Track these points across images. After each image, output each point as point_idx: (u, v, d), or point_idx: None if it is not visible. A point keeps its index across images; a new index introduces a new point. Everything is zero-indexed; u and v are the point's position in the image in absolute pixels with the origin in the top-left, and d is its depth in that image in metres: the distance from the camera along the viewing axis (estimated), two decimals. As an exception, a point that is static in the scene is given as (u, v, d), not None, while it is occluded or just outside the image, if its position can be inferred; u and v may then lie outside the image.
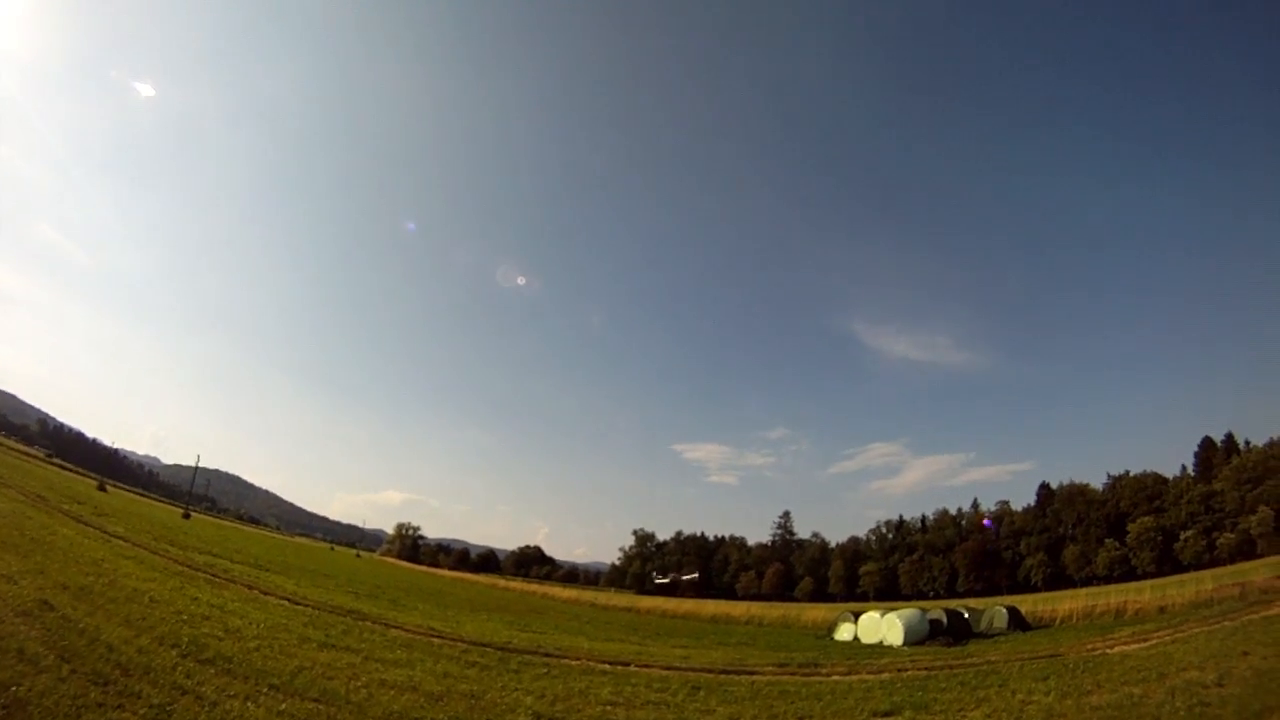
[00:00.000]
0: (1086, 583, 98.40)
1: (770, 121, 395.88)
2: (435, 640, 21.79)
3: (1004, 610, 37.09)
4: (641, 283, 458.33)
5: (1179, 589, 39.72)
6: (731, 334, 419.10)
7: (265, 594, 24.50)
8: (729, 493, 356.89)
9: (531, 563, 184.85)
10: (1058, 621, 37.86)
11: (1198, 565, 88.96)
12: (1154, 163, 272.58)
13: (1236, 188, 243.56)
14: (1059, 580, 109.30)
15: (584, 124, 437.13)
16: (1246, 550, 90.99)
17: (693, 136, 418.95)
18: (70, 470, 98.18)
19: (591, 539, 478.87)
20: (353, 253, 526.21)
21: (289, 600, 24.11)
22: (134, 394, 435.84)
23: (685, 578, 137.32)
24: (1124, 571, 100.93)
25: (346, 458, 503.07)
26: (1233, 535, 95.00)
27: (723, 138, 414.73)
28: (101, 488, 73.89)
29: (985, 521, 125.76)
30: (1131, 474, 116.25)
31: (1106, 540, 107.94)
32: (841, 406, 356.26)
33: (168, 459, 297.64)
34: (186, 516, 78.31)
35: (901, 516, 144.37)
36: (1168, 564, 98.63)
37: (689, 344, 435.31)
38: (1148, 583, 65.01)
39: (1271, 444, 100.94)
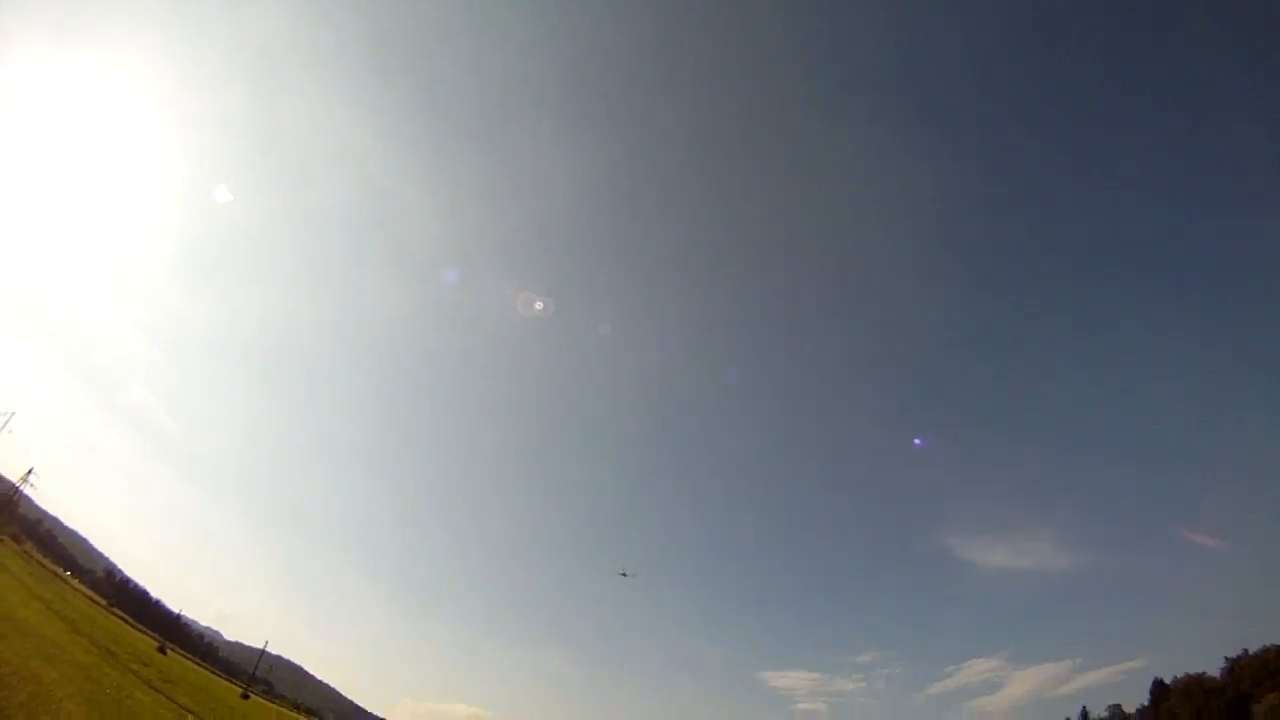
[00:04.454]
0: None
1: (854, 331, 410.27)
2: None
3: None
4: (728, 506, 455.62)
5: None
6: (819, 557, 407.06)
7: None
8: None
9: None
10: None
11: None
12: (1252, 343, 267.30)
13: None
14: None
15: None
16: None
17: (769, 360, 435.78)
18: (131, 625, 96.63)
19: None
20: (441, 470, 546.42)
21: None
22: (206, 566, 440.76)
23: None
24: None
25: (414, 664, 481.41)
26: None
27: (804, 351, 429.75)
28: (162, 650, 72.10)
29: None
30: (1250, 652, 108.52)
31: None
32: (936, 625, 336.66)
33: (229, 635, 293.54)
34: (245, 697, 75.78)
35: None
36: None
37: (776, 569, 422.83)
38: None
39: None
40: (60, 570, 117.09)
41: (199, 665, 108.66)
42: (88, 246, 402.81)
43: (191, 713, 29.41)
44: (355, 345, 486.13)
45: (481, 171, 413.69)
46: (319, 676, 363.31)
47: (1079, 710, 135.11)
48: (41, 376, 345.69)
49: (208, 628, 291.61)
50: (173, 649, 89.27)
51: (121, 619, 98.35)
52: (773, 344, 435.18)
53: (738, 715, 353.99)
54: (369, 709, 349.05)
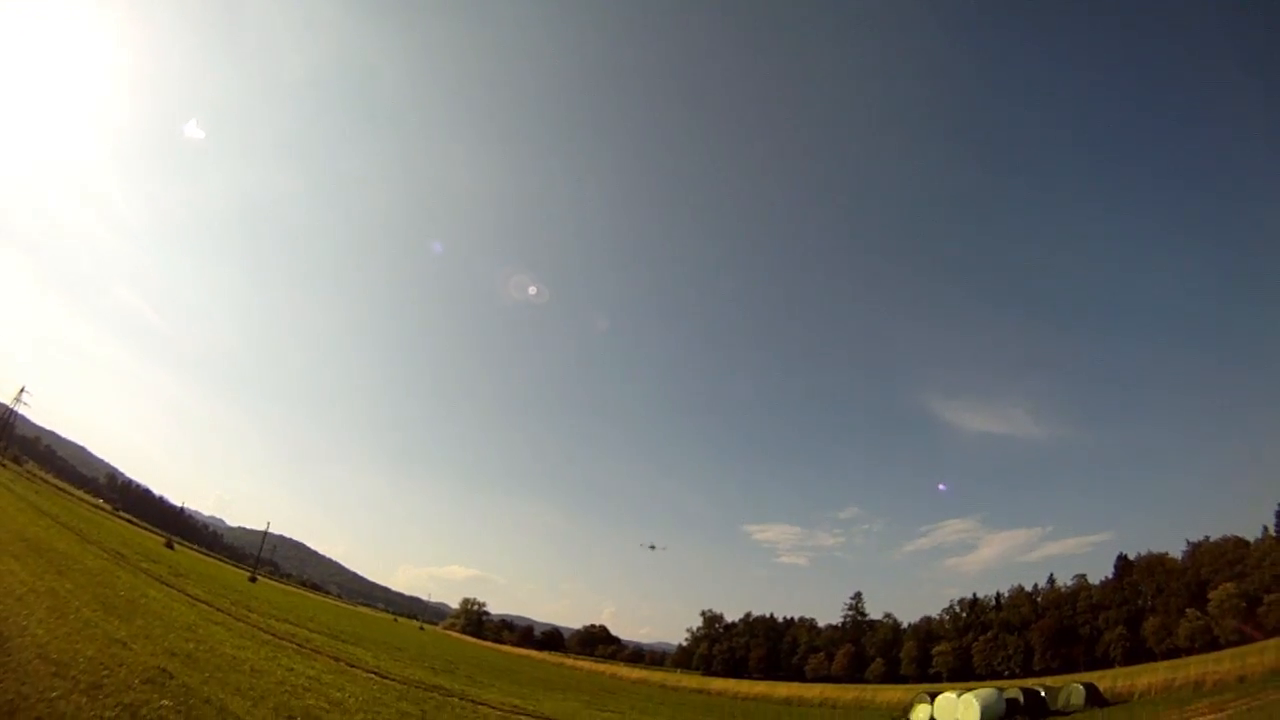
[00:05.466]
0: (1168, 655, 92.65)
1: (836, 200, 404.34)
2: (524, 718, 22.24)
3: (1081, 688, 36.22)
4: (716, 359, 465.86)
5: (1259, 656, 38.34)
6: (802, 414, 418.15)
7: (351, 666, 25.25)
8: (799, 573, 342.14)
9: (597, 642, 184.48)
10: (1136, 696, 36.89)
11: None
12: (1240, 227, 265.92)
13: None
14: (1139, 654, 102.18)
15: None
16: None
17: (752, 228, 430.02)
18: (138, 525, 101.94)
19: (657, 619, 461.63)
20: (424, 332, 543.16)
21: (376, 674, 24.76)
22: (203, 457, 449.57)
23: None
24: (1207, 641, 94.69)
25: (413, 531, 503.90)
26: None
27: (787, 220, 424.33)
28: (169, 545, 76.65)
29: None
30: (1211, 539, 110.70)
31: (1187, 610, 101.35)
32: (914, 484, 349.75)
33: (232, 521, 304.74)
34: (253, 580, 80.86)
35: (975, 594, 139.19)
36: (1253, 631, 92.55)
37: (760, 425, 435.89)
38: (1228, 651, 61.91)
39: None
40: (64, 483, 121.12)
41: (206, 555, 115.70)
42: (50, 148, 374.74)
43: (203, 602, 33.12)
44: (335, 217, 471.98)
45: (459, 36, 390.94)
46: (321, 552, 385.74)
47: (1046, 577, 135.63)
48: (24, 294, 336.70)
49: (211, 517, 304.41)
50: (179, 543, 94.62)
51: (129, 521, 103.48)
52: (759, 212, 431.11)
53: (723, 566, 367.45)
54: (370, 578, 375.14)
